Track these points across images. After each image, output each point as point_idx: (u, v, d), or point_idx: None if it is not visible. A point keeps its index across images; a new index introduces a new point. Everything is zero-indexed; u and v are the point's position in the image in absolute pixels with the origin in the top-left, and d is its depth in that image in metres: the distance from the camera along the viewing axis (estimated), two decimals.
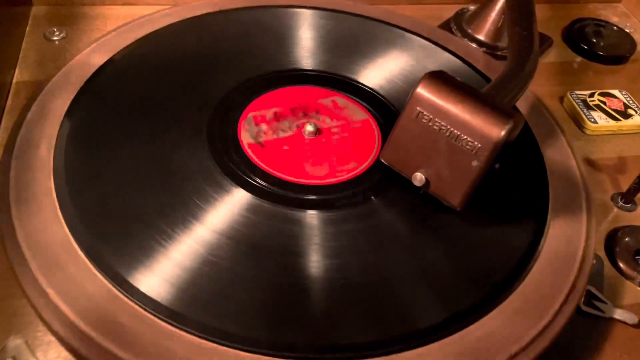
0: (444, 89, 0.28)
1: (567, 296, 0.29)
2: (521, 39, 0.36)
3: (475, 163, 0.27)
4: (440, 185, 0.29)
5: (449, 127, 0.28)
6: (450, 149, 0.28)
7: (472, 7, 0.50)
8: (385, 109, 0.37)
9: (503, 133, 0.27)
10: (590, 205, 0.33)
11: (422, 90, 0.28)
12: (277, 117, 0.35)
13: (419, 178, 0.29)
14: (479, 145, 0.27)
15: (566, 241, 0.31)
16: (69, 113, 0.32)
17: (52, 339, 0.26)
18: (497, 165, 0.29)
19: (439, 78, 0.29)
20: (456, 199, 0.29)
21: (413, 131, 0.29)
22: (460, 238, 0.30)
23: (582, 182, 0.34)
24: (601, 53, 0.50)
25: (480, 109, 0.27)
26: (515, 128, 0.28)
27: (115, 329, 0.24)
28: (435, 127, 0.28)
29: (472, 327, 0.26)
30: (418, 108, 0.28)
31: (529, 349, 0.27)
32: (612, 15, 0.57)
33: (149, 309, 0.25)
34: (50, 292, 0.25)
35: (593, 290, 0.31)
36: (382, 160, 0.31)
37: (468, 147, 0.28)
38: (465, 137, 0.28)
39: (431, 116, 0.28)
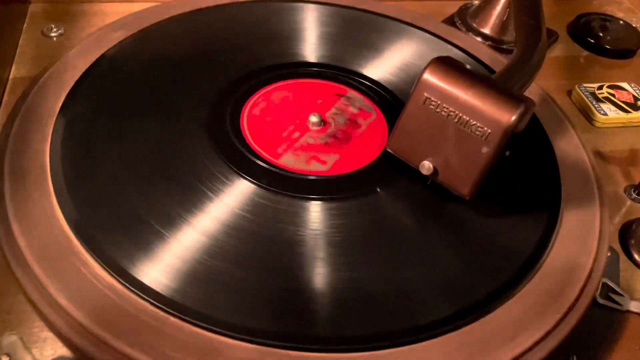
0: (451, 74, 0.27)
1: (583, 289, 0.27)
2: (529, 28, 0.36)
3: (485, 149, 0.27)
4: (449, 174, 0.28)
5: (457, 112, 0.27)
6: (459, 136, 0.27)
7: (476, 2, 0.49)
8: (392, 102, 0.36)
9: (514, 118, 0.26)
10: (603, 197, 0.32)
11: (429, 76, 0.27)
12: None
13: (426, 167, 0.28)
14: (489, 130, 0.26)
15: (580, 233, 0.30)
16: (65, 106, 0.32)
17: (49, 335, 0.25)
18: (507, 153, 0.28)
19: (446, 63, 0.28)
20: (465, 187, 0.28)
21: (420, 118, 0.28)
22: (470, 229, 0.29)
23: (593, 173, 0.33)
24: (608, 47, 0.49)
25: (490, 93, 0.27)
26: (526, 113, 0.27)
27: (117, 322, 0.23)
28: (443, 113, 0.27)
29: (486, 318, 0.25)
30: (425, 94, 0.27)
31: (545, 341, 0.25)
32: (617, 11, 0.56)
33: (151, 300, 0.24)
34: (49, 285, 0.24)
35: (609, 282, 0.30)
36: (389, 150, 0.30)
37: (478, 133, 0.27)
38: (474, 122, 0.27)
39: (439, 102, 0.27)
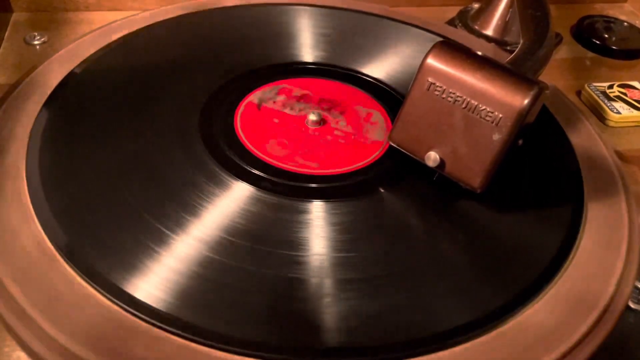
0: (457, 57, 0.25)
1: (615, 293, 0.24)
2: (535, 20, 0.34)
3: (497, 136, 0.24)
4: (458, 165, 0.25)
5: (465, 97, 0.25)
6: (467, 123, 0.25)
7: (476, 5, 0.48)
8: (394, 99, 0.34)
9: (527, 100, 0.24)
10: (629, 193, 0.29)
11: (432, 60, 0.25)
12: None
13: (432, 158, 0.25)
14: (501, 115, 0.24)
15: (607, 231, 0.27)
16: (45, 110, 0.29)
17: (21, 354, 0.23)
18: (520, 142, 0.26)
19: (450, 46, 0.26)
20: (476, 179, 0.25)
21: (424, 106, 0.25)
22: (485, 228, 0.26)
23: (615, 168, 0.31)
24: (615, 47, 0.47)
25: (499, 75, 0.24)
26: (539, 97, 0.24)
27: (103, 341, 0.20)
28: (449, 99, 0.25)
29: (507, 326, 0.22)
30: (429, 79, 0.25)
31: (574, 352, 0.22)
32: (619, 14, 0.55)
33: (142, 315, 0.21)
34: (24, 302, 0.21)
35: None
36: (391, 143, 0.27)
37: (488, 118, 0.24)
38: (484, 107, 0.24)
39: (444, 87, 0.25)
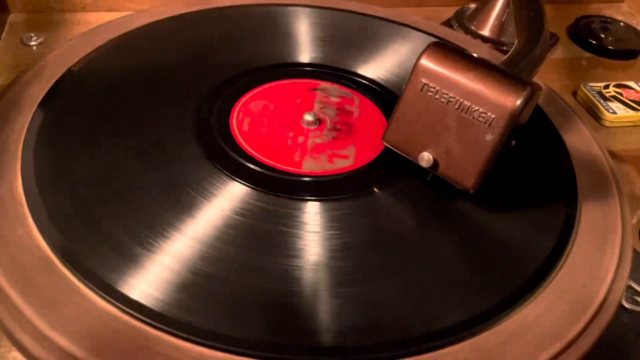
0: (450, 57, 0.25)
1: (608, 293, 0.25)
2: (530, 20, 0.34)
3: (489, 137, 0.24)
4: (451, 165, 0.25)
5: (458, 98, 0.25)
6: (460, 124, 0.25)
7: (472, 5, 0.48)
8: (387, 98, 0.34)
9: (520, 101, 0.24)
10: (622, 193, 0.29)
11: (426, 61, 0.25)
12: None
13: (426, 158, 0.25)
14: (493, 116, 0.24)
15: (600, 232, 0.27)
16: (41, 108, 0.29)
17: (17, 355, 0.23)
18: (513, 143, 0.26)
19: (444, 47, 0.26)
20: (469, 179, 0.25)
21: (418, 106, 0.26)
22: (479, 228, 0.26)
23: (609, 168, 0.31)
24: (611, 47, 0.47)
25: (492, 76, 0.24)
26: (532, 98, 0.25)
27: (99, 342, 0.20)
28: (442, 100, 0.25)
29: (500, 326, 0.22)
30: (423, 80, 0.25)
31: (567, 352, 0.22)
32: (616, 14, 0.55)
33: (138, 315, 0.21)
34: (19, 301, 0.21)
35: (635, 285, 0.27)
36: (385, 143, 0.27)
37: (481, 119, 0.24)
38: (477, 108, 0.24)
39: (438, 88, 0.25)
